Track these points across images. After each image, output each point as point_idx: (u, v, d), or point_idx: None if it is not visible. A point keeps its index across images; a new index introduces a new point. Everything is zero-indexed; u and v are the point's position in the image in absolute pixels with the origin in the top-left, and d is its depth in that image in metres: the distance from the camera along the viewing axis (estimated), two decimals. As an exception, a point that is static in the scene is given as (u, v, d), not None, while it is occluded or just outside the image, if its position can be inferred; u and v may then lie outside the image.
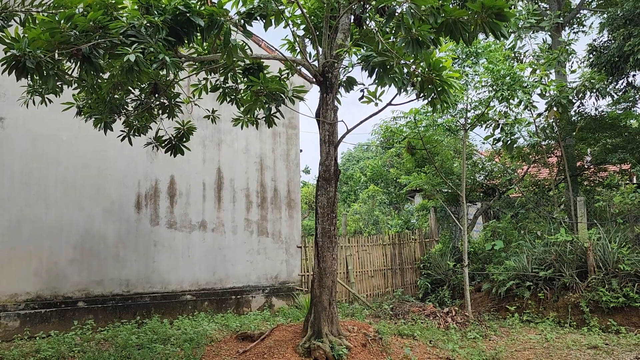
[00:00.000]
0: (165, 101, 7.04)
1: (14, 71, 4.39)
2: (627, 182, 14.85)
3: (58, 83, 5.63)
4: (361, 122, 6.51)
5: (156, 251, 9.88)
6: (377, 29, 5.10)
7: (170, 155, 7.74)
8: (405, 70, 5.00)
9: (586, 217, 10.64)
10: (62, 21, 4.55)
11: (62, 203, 9.03)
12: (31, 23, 4.98)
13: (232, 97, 7.49)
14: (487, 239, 12.85)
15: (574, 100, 11.18)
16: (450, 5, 5.01)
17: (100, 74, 5.46)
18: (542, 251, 10.59)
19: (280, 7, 6.18)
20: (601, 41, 13.23)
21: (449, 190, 14.00)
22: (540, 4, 18.98)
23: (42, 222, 8.81)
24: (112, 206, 9.52)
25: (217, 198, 10.74)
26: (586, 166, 14.20)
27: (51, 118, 8.76)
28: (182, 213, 10.27)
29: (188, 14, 5.17)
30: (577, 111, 12.89)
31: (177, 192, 10.26)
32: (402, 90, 5.32)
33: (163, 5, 5.23)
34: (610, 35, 12.54)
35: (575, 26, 19.56)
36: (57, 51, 4.56)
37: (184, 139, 7.72)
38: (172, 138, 7.66)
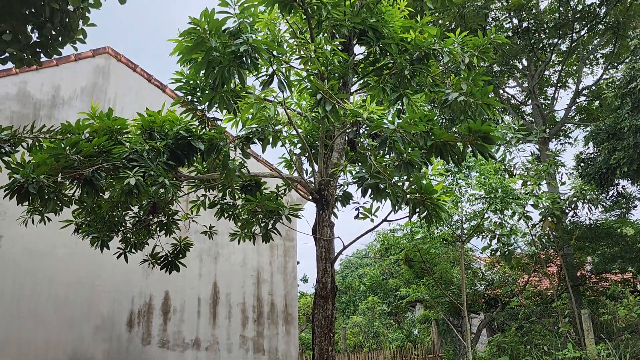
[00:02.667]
0: (163, 219, 7.12)
1: (16, 196, 4.49)
2: (632, 290, 14.59)
3: (58, 204, 5.73)
4: (356, 239, 6.55)
5: (146, 372, 9.40)
6: (370, 151, 5.31)
7: (166, 272, 7.66)
8: (398, 190, 5.13)
9: (592, 331, 10.31)
10: (67, 147, 4.76)
11: (51, 321, 8.76)
12: (37, 148, 5.18)
13: (230, 212, 7.59)
14: (493, 354, 12.33)
15: (567, 211, 11.34)
16: (440, 125, 5.27)
17: (101, 194, 5.58)
18: (551, 368, 10.12)
19: (277, 128, 6.48)
20: (588, 153, 13.73)
21: (450, 301, 13.68)
22: (525, 118, 19.96)
23: (30, 342, 8.47)
24: (103, 324, 9.22)
25: (212, 314, 10.44)
26: (587, 275, 14.03)
27: (49, 235, 8.77)
28: (175, 331, 9.92)
29: (189, 139, 5.42)
30: (571, 220, 13.01)
31: (171, 309, 10.00)
32: (397, 208, 5.41)
33: (165, 131, 5.50)
34: (595, 148, 13.04)
35: (561, 138, 20.41)
36: (60, 175, 4.71)
37: (181, 255, 7.68)
38: (169, 254, 7.63)
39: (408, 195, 5.18)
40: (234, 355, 10.40)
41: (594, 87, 18.71)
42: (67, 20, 4.30)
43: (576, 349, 10.15)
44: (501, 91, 19.68)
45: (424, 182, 4.99)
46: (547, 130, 16.65)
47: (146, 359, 9.45)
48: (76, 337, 8.90)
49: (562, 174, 14.23)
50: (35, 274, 8.81)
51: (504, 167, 12.75)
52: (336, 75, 6.51)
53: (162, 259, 7.64)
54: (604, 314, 11.11)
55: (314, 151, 7.25)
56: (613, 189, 13.62)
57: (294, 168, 7.78)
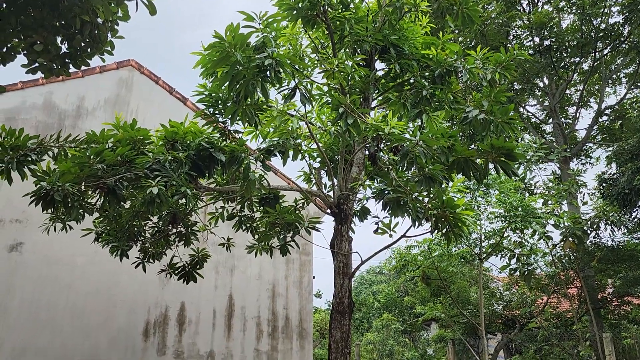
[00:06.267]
0: (182, 229, 7.16)
1: (41, 203, 4.56)
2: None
3: (81, 212, 5.80)
4: (375, 253, 6.50)
5: (160, 384, 9.38)
6: (390, 166, 5.29)
7: (183, 282, 7.68)
8: (419, 205, 5.10)
9: (614, 355, 10.04)
10: (92, 156, 4.83)
11: (68, 330, 8.81)
12: (63, 157, 5.27)
13: (248, 225, 7.60)
14: (511, 376, 12.07)
15: (588, 231, 11.13)
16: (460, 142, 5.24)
17: (122, 204, 5.64)
18: (571, 392, 9.86)
19: (297, 141, 6.51)
20: (610, 174, 13.51)
21: (467, 321, 13.46)
22: (546, 137, 19.75)
23: (46, 351, 8.53)
24: (119, 334, 9.24)
25: (227, 326, 10.42)
26: (609, 298, 13.71)
27: (69, 243, 8.87)
28: (190, 342, 9.91)
29: (211, 150, 5.46)
30: (593, 242, 12.76)
31: (186, 320, 10.00)
32: (417, 224, 5.36)
33: (188, 142, 5.56)
34: (618, 169, 12.83)
35: (582, 158, 20.14)
36: (84, 184, 4.78)
37: (198, 266, 7.71)
38: (186, 265, 7.66)
39: (431, 212, 5.14)
40: (247, 369, 10.35)
41: (616, 107, 18.48)
42: (97, 32, 4.40)
43: (597, 373, 9.90)
44: (521, 109, 19.54)
45: (445, 197, 4.95)
46: (568, 150, 16.46)
47: (161, 370, 9.45)
48: (92, 346, 8.94)
49: (583, 194, 14.01)
50: (54, 282, 8.90)
51: (524, 185, 12.60)
52: (357, 90, 6.54)
53: (179, 270, 7.67)
54: (626, 337, 10.83)
55: (333, 165, 7.25)
56: (637, 210, 13.34)
57: (313, 182, 7.79)
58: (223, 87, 5.55)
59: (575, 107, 19.81)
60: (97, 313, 9.14)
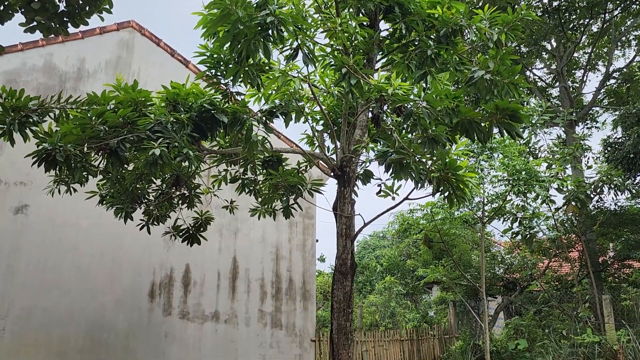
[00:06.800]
0: (185, 192, 7.18)
1: (44, 164, 4.56)
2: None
3: (84, 174, 5.81)
4: (377, 216, 6.53)
5: (167, 343, 9.61)
6: (393, 127, 5.25)
7: (187, 244, 7.76)
8: (422, 167, 5.08)
9: (613, 316, 10.19)
10: (93, 117, 4.80)
11: (75, 291, 8.97)
12: (64, 118, 5.24)
13: (251, 188, 7.62)
14: (510, 337, 12.29)
15: (592, 195, 11.12)
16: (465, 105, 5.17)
17: (125, 166, 5.64)
18: (569, 352, 10.06)
19: (300, 104, 6.44)
20: (616, 137, 13.41)
21: (468, 284, 13.65)
22: (552, 100, 19.52)
23: (53, 311, 8.71)
24: (125, 295, 9.41)
25: (231, 288, 10.59)
26: (609, 262, 13.82)
27: (73, 205, 8.93)
28: (195, 303, 10.09)
29: (213, 111, 5.42)
30: (596, 206, 12.77)
31: (191, 281, 10.16)
32: (420, 186, 5.36)
33: (189, 103, 5.51)
34: (624, 133, 12.72)
35: (588, 122, 19.95)
36: (86, 145, 4.77)
37: (202, 229, 7.77)
38: (190, 228, 7.72)
39: (433, 175, 5.13)
40: (252, 329, 10.57)
41: (625, 70, 18.17)
42: (94, -11, 4.30)
43: (595, 334, 10.07)
44: (528, 72, 19.24)
45: (448, 159, 4.93)
46: (574, 114, 16.28)
47: (167, 329, 9.66)
48: (98, 307, 9.12)
49: (588, 158, 13.94)
50: (59, 245, 9.01)
51: (528, 149, 12.53)
52: (361, 51, 6.43)
53: (183, 232, 7.73)
54: (625, 299, 10.97)
55: (336, 128, 7.20)
56: (640, 174, 13.28)
57: (316, 145, 7.76)
58: (225, 48, 5.46)
59: (582, 71, 19.49)
60: (103, 275, 9.28)
